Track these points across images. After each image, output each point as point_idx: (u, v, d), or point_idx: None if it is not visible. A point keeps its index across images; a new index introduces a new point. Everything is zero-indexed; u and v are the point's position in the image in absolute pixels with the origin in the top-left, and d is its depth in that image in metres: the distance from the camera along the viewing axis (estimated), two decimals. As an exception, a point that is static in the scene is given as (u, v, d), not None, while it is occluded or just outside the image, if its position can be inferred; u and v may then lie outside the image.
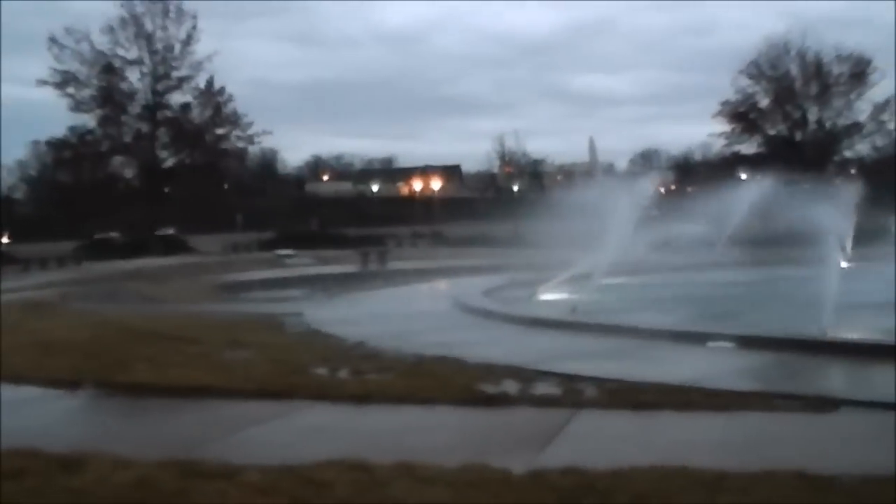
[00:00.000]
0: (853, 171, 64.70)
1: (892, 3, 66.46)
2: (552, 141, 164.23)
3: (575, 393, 8.20)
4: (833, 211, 16.24)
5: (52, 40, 56.59)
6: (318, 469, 5.48)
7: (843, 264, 15.60)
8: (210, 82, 59.76)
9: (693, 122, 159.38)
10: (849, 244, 16.87)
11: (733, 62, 68.09)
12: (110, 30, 57.55)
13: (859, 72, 63.14)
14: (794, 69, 64.48)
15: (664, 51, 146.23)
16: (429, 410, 7.80)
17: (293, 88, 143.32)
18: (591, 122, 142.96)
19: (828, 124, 64.94)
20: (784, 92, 64.54)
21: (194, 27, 58.55)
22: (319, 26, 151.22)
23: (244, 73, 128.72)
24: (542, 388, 8.45)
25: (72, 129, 59.24)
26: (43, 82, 57.29)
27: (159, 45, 58.58)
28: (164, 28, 58.36)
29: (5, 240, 69.24)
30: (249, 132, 60.94)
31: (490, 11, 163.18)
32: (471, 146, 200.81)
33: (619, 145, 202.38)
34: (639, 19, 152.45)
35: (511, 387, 8.50)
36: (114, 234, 60.13)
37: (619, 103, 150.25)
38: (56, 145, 61.21)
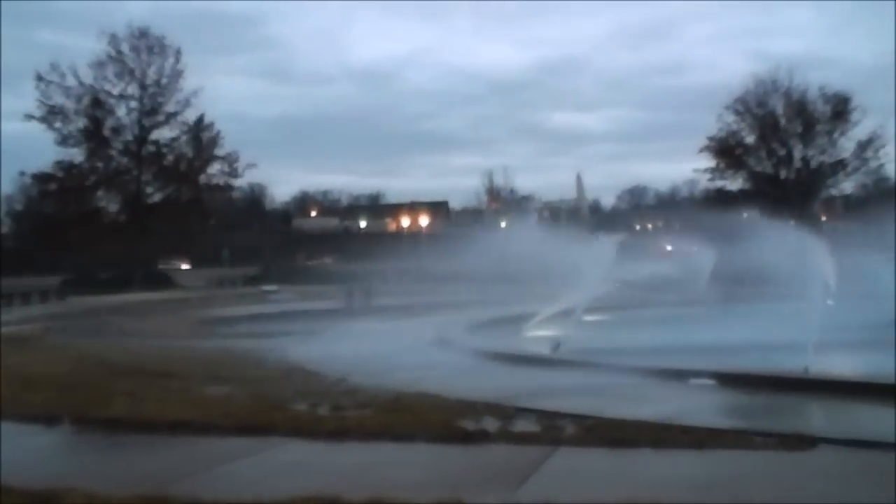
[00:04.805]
0: (838, 209, 65.23)
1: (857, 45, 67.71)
2: (534, 177, 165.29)
3: (553, 430, 8.19)
4: (818, 248, 16.33)
5: (40, 76, 56.79)
6: (291, 505, 5.45)
7: (828, 302, 15.62)
8: (200, 119, 59.98)
9: (670, 158, 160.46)
10: (833, 282, 16.91)
11: (704, 101, 68.81)
12: (97, 66, 57.83)
13: (841, 110, 63.85)
14: (780, 107, 65.12)
15: (635, 89, 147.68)
16: (406, 447, 7.77)
17: (272, 125, 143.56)
18: (569, 159, 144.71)
19: (812, 162, 65.44)
20: (769, 129, 65.11)
21: (178, 61, 58.86)
22: (293, 63, 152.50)
23: (223, 108, 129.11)
24: (521, 425, 8.44)
25: (58, 163, 59.21)
26: (30, 117, 57.44)
27: (146, 81, 58.84)
28: (150, 64, 58.66)
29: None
30: (235, 165, 61.06)
31: (458, 50, 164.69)
32: (455, 182, 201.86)
33: (600, 182, 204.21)
34: (607, 59, 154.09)
35: (490, 423, 8.48)
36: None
37: (595, 141, 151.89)
38: (41, 178, 60.98)
